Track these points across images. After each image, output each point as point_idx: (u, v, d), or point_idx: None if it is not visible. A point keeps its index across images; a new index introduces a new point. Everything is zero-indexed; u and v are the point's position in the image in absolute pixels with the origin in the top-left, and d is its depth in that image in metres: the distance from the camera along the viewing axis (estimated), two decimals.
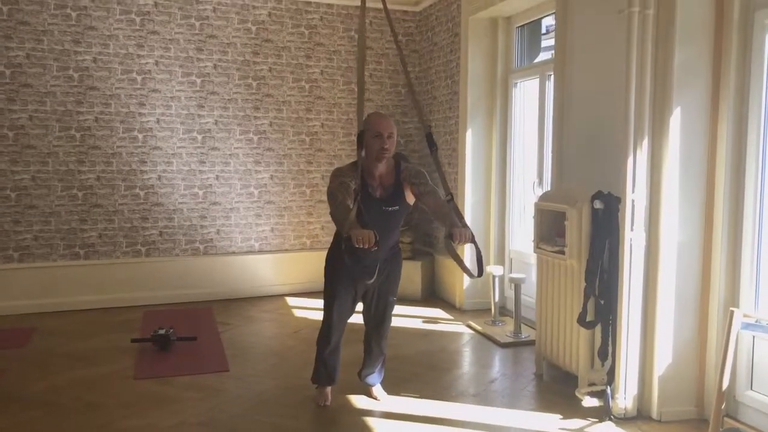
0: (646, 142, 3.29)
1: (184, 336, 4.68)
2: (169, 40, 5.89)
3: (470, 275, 2.83)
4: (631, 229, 3.33)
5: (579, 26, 3.99)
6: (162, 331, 4.58)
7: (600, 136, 3.79)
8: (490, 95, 5.69)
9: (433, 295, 6.26)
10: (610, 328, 3.48)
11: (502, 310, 5.68)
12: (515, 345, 4.73)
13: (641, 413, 3.43)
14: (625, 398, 3.40)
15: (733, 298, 3.29)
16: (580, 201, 3.63)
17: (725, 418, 3.23)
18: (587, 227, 3.60)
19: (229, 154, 6.16)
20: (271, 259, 6.37)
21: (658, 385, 3.36)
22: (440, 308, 5.86)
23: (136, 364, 4.29)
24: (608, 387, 3.42)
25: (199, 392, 3.82)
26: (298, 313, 5.72)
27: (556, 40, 4.25)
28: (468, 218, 5.68)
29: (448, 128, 6.09)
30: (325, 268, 3.49)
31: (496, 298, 5.24)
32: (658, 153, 3.30)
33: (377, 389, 3.75)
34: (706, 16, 3.23)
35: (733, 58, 3.19)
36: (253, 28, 6.14)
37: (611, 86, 3.63)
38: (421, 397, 3.78)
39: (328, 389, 3.67)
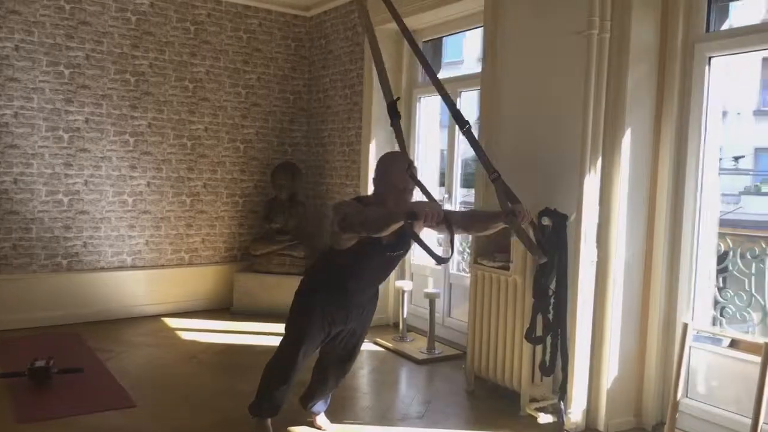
0: (599, 162, 3.40)
1: (68, 368, 3.98)
2: (33, 22, 5.07)
3: (541, 257, 2.59)
4: (584, 245, 3.41)
5: (510, 45, 4.05)
6: (40, 363, 3.87)
7: (538, 154, 3.85)
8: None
9: None
10: (559, 343, 3.52)
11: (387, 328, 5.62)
12: (432, 362, 4.66)
13: (588, 426, 3.50)
14: (574, 413, 3.45)
15: (670, 311, 3.49)
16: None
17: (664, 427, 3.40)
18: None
19: (101, 157, 5.44)
20: (146, 275, 5.72)
21: (607, 397, 3.46)
22: None
23: (13, 405, 3.56)
24: (561, 402, 3.45)
25: None
26: (185, 336, 5.16)
27: (484, 57, 4.28)
28: None
29: (346, 139, 5.91)
30: (300, 303, 3.08)
31: (405, 314, 5.13)
32: (608, 172, 3.42)
33: (321, 418, 3.45)
34: (651, 43, 3.42)
35: (676, 84, 3.40)
36: (133, 18, 5.50)
37: (554, 106, 3.71)
38: (365, 423, 3.55)
39: (269, 421, 3.30)
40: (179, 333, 5.23)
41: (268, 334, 5.22)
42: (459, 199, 5.19)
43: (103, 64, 5.38)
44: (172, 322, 5.51)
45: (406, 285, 5.11)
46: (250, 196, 6.26)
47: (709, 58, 3.35)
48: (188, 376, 4.24)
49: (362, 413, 3.69)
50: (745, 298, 3.59)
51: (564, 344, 3.49)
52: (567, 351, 3.48)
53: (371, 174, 5.42)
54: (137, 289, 5.65)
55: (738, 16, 3.38)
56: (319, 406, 3.42)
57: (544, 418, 3.46)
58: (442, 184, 6.18)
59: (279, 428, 3.34)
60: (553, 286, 3.55)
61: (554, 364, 3.54)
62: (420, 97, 5.54)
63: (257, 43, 6.16)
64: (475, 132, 2.99)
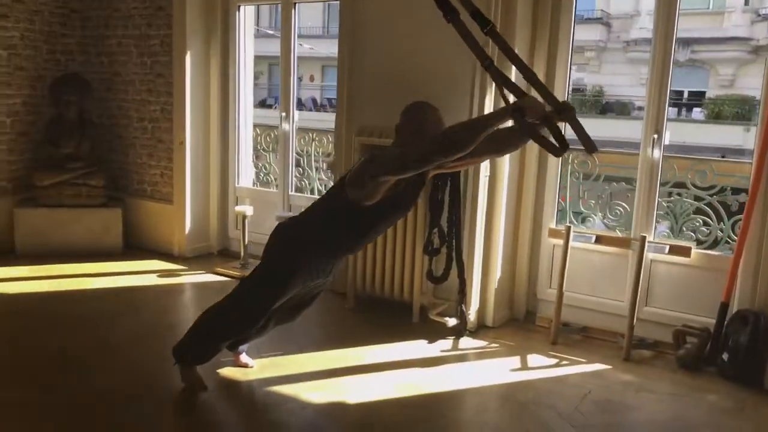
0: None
1: None
2: None
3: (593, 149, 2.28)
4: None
5: None
6: None
7: (413, 78, 3.93)
8: (208, 16, 5.06)
9: (134, 246, 5.34)
10: (454, 252, 3.77)
11: (226, 252, 5.35)
12: None
13: (480, 323, 3.88)
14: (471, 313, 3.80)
15: (537, 217, 3.99)
16: None
17: (539, 316, 3.97)
18: None
19: None
20: None
21: (494, 297, 3.87)
22: (157, 259, 5.09)
23: None
24: (462, 305, 3.75)
25: None
26: None
27: None
28: (188, 156, 5.09)
29: (147, 49, 5.16)
30: (291, 255, 2.72)
31: (246, 240, 4.88)
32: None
33: (245, 356, 3.22)
34: None
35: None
36: None
37: (430, 34, 3.78)
38: (285, 353, 3.41)
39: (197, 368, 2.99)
40: None
41: (78, 276, 4.55)
42: (296, 121, 5.01)
43: None
44: None
45: (248, 210, 4.84)
46: (19, 115, 5.15)
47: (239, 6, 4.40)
48: (18, 339, 3.52)
49: (275, 345, 3.49)
50: None
51: (459, 253, 3.75)
52: (462, 259, 3.75)
53: (189, 89, 4.92)
54: None
55: None
56: (244, 345, 3.19)
57: (451, 322, 3.74)
58: (261, 104, 5.89)
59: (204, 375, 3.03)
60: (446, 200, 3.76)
61: (448, 273, 3.80)
62: (240, 6, 5.08)
63: None
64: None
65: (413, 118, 2.67)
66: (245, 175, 5.35)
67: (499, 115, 2.30)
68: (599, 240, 3.81)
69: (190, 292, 4.45)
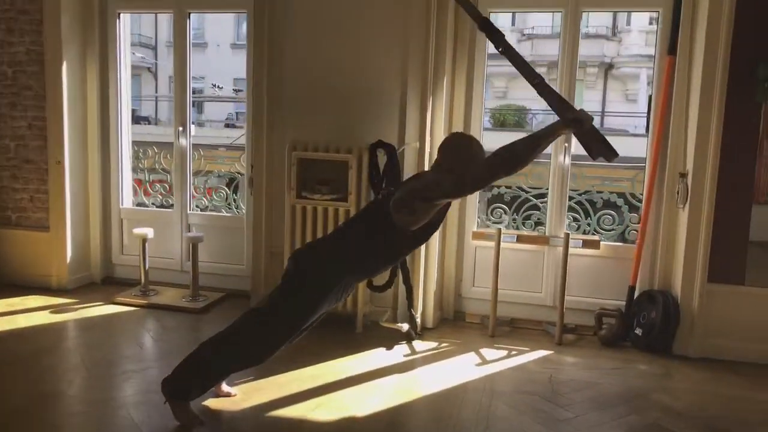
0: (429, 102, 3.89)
1: None
2: None
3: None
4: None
5: None
6: None
7: (338, 90, 4.06)
8: (85, 23, 4.61)
9: (0, 282, 4.64)
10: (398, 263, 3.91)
11: (110, 279, 4.91)
12: (212, 308, 4.37)
13: (423, 326, 4.06)
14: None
15: (460, 221, 4.29)
16: (356, 150, 3.86)
17: (467, 313, 4.28)
18: (365, 174, 3.88)
19: None
20: None
21: (433, 301, 4.08)
22: (34, 294, 4.50)
23: None
24: (411, 310, 3.90)
25: None
26: None
27: None
28: (67, 175, 4.60)
29: (9, 57, 4.54)
30: (320, 282, 2.68)
31: (147, 266, 4.52)
32: (434, 108, 3.96)
33: (225, 385, 3.07)
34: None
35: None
36: None
37: (353, 45, 4.01)
38: (257, 378, 3.28)
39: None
40: None
41: None
42: (192, 136, 4.76)
43: None
44: None
45: (149, 232, 4.50)
46: None
47: (119, 13, 4.67)
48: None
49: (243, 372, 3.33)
50: None
51: (404, 261, 3.91)
52: (407, 267, 3.92)
53: (67, 105, 4.46)
54: None
55: None
56: None
57: (405, 327, 3.87)
58: (138, 120, 5.51)
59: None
60: None
61: (392, 281, 3.93)
62: (119, 13, 4.70)
63: None
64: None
65: (459, 144, 2.78)
66: (128, 196, 4.94)
67: (557, 127, 2.48)
68: (520, 239, 4.22)
69: (101, 326, 3.98)
